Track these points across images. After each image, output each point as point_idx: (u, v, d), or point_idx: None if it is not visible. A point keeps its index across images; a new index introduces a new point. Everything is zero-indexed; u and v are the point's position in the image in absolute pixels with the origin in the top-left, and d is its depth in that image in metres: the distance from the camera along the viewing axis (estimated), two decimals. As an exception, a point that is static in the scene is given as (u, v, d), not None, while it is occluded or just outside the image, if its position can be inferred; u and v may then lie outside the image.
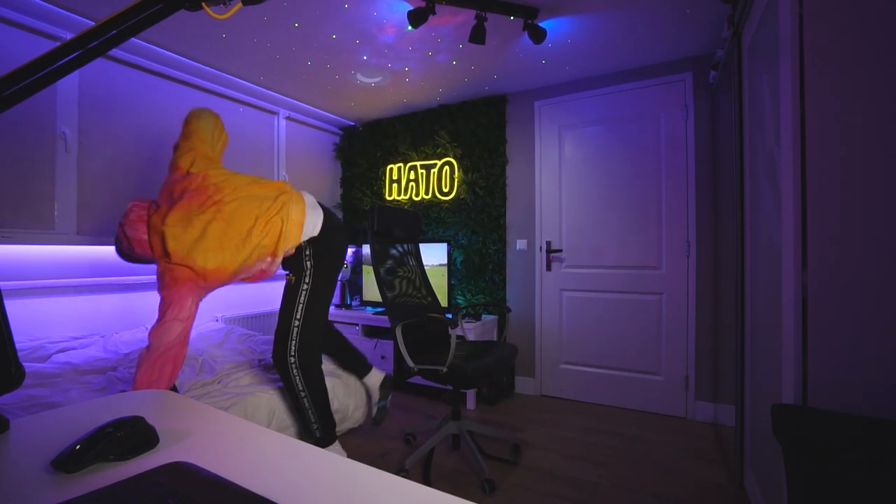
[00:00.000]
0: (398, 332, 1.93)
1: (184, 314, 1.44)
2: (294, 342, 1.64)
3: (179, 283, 1.44)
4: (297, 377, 1.64)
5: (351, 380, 2.01)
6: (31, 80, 0.53)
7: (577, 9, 2.14)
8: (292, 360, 1.64)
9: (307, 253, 1.68)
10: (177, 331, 1.41)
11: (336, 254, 1.78)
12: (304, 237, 1.67)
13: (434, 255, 3.11)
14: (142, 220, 1.53)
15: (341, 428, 1.93)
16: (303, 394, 1.65)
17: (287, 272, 1.74)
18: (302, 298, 1.66)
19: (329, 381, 1.84)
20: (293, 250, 1.67)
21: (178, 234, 1.46)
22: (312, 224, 1.69)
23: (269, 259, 1.61)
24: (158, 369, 1.39)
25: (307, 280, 1.67)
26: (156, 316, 1.43)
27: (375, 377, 2.07)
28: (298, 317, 1.65)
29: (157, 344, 1.39)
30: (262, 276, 1.66)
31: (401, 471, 1.90)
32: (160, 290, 1.46)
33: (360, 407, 2.01)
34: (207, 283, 1.51)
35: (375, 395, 2.04)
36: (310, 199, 1.74)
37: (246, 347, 2.26)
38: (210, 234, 1.48)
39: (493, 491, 1.83)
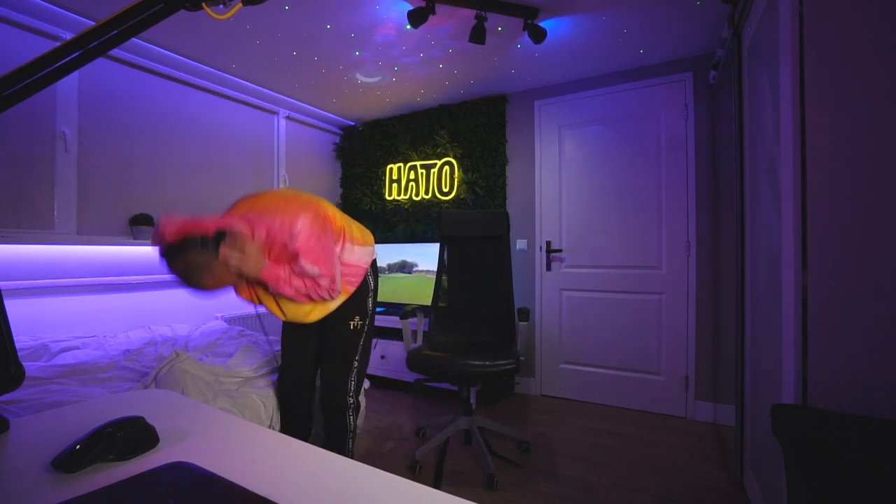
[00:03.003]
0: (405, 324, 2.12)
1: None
2: (353, 383, 1.62)
3: None
4: (352, 417, 1.62)
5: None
6: (31, 80, 0.53)
7: (578, 8, 2.14)
8: (351, 400, 1.61)
9: (372, 288, 1.68)
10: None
11: (376, 290, 1.78)
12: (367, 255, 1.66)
13: (434, 256, 3.10)
14: None
15: None
16: (352, 434, 1.62)
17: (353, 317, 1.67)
18: (363, 340, 1.65)
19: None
20: (359, 273, 1.62)
21: None
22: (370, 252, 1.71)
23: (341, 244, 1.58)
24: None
25: (367, 322, 1.67)
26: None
27: None
28: (358, 357, 1.63)
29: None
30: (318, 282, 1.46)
31: (413, 462, 2.02)
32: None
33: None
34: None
35: None
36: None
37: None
38: None
39: (494, 489, 1.83)
